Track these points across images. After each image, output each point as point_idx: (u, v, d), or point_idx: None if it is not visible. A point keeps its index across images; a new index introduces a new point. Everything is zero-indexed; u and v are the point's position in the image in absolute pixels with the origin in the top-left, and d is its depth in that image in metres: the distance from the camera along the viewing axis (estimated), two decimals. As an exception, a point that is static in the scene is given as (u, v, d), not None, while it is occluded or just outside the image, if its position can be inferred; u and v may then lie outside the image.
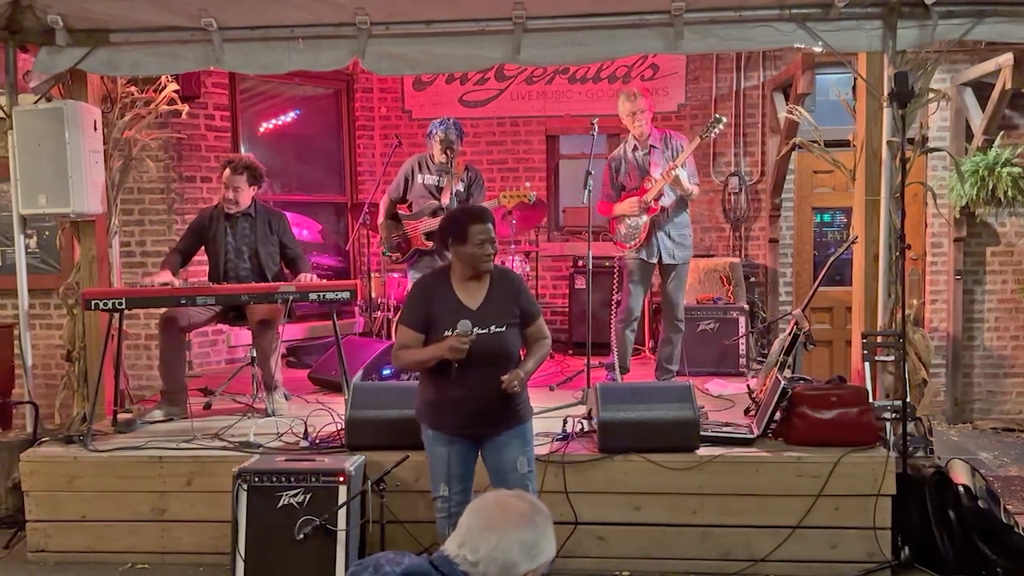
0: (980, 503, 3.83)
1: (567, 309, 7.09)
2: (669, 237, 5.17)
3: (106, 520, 4.13)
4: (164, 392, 4.79)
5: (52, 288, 5.71)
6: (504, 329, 3.17)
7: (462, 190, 5.17)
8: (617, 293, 5.46)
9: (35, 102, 4.49)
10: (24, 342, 4.68)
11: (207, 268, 5.03)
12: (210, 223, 4.94)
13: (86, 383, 4.69)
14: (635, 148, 5.22)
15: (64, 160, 4.38)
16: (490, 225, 3.16)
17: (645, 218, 5.11)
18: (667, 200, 5.13)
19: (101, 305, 4.31)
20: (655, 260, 5.19)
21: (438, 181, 5.22)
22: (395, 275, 6.51)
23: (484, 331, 3.11)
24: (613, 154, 5.35)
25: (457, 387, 3.17)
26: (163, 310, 4.81)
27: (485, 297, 3.20)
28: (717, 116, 5.06)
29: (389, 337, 6.16)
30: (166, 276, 4.63)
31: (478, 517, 1.84)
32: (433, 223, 5.15)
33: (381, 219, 5.43)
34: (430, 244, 5.18)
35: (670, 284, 5.25)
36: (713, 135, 5.12)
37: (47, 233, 6.08)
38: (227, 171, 4.85)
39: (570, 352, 6.69)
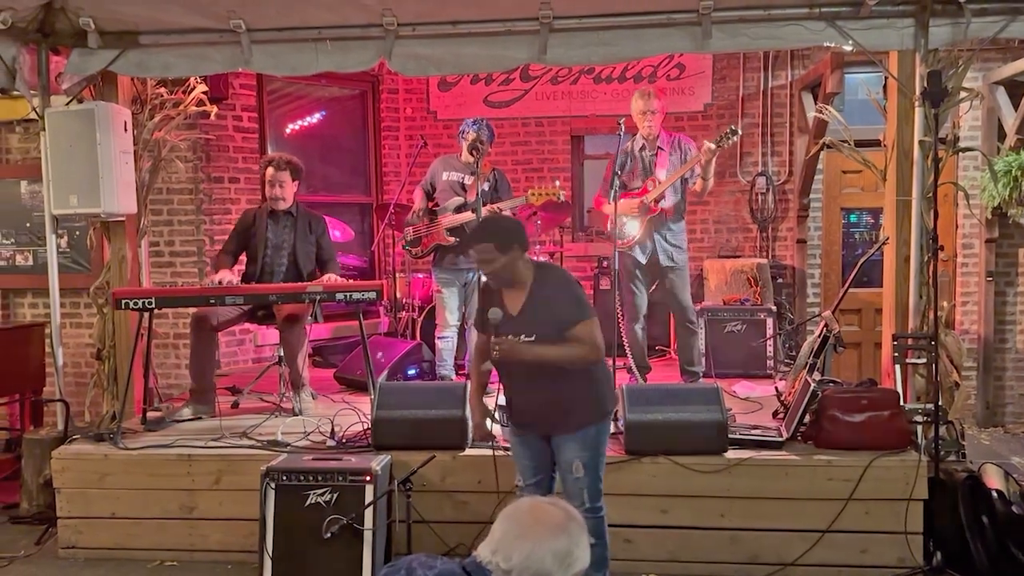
0: (1014, 508, 3.76)
1: (592, 310, 7.05)
2: (666, 240, 5.15)
3: (135, 517, 4.18)
4: (193, 391, 4.84)
5: (82, 287, 5.79)
6: (534, 339, 3.09)
7: (487, 190, 5.17)
8: (619, 294, 5.43)
9: (67, 103, 4.54)
10: (55, 341, 4.74)
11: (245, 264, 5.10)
12: (254, 221, 5.04)
13: (116, 382, 4.75)
14: (643, 147, 5.21)
15: (95, 161, 4.42)
16: (483, 245, 3.10)
17: (642, 220, 5.10)
18: (667, 203, 5.11)
19: (131, 304, 4.36)
20: (647, 260, 5.18)
21: (463, 178, 5.23)
22: (420, 275, 6.52)
23: (515, 340, 3.10)
24: (621, 148, 5.29)
25: (509, 387, 3.27)
26: (193, 309, 4.86)
27: (523, 304, 3.17)
28: (732, 128, 5.01)
29: (414, 337, 6.17)
30: (228, 275, 4.75)
31: (511, 524, 1.83)
32: (456, 219, 5.16)
33: (417, 205, 5.42)
34: (452, 240, 5.18)
35: (673, 287, 5.22)
36: (727, 145, 5.08)
37: (77, 233, 6.15)
38: (270, 169, 4.97)
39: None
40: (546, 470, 3.31)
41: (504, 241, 3.11)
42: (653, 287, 5.40)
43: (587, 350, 3.09)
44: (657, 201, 5.08)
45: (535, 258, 3.49)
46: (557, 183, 5.11)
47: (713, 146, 4.89)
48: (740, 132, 5.08)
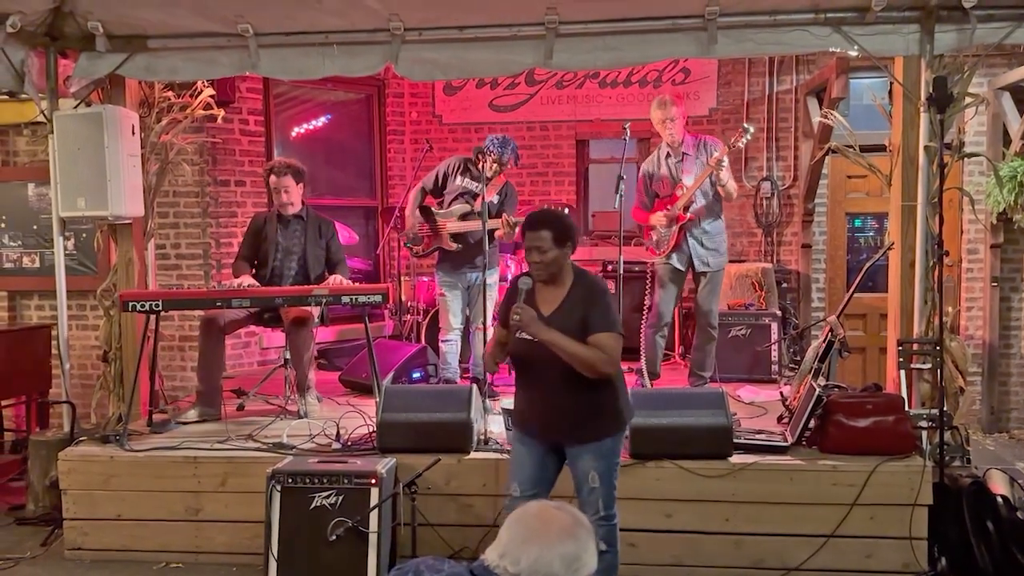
0: (1019, 514, 3.76)
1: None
2: (702, 245, 5.16)
3: (141, 519, 4.18)
4: (200, 393, 4.85)
5: (88, 290, 5.82)
6: None
7: (496, 202, 5.18)
8: (648, 298, 5.45)
9: (75, 107, 4.57)
10: (62, 343, 4.76)
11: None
12: (264, 224, 5.06)
13: (122, 384, 4.75)
14: (668, 155, 5.21)
15: (103, 164, 4.44)
16: (542, 232, 3.06)
17: (675, 226, 5.11)
18: (698, 205, 5.11)
19: (138, 307, 4.38)
20: (685, 267, 5.19)
21: (476, 188, 5.22)
22: (424, 279, 6.54)
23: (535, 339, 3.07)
24: (647, 161, 5.35)
25: (524, 390, 3.25)
26: (201, 312, 4.88)
27: (558, 306, 3.13)
28: (745, 126, 5.02)
29: (419, 340, 6.18)
30: (249, 278, 4.80)
31: (519, 528, 1.83)
32: (461, 226, 5.17)
33: (409, 208, 5.42)
34: (455, 246, 5.19)
35: (703, 291, 5.23)
36: (741, 145, 5.09)
37: (84, 235, 6.17)
38: (272, 177, 4.98)
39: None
40: (545, 483, 3.25)
41: (561, 234, 3.09)
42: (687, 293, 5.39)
43: (601, 359, 3.02)
44: (686, 208, 5.09)
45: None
46: (566, 210, 5.11)
47: (719, 154, 4.92)
48: (752, 129, 5.07)
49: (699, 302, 5.28)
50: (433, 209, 5.37)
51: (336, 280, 4.81)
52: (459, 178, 5.29)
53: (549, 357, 3.03)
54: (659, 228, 5.17)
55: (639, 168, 5.40)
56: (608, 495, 3.19)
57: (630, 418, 3.29)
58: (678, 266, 5.19)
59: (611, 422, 3.18)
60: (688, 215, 5.09)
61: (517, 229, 5.10)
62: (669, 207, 5.13)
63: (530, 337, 3.05)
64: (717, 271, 5.22)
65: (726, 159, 4.95)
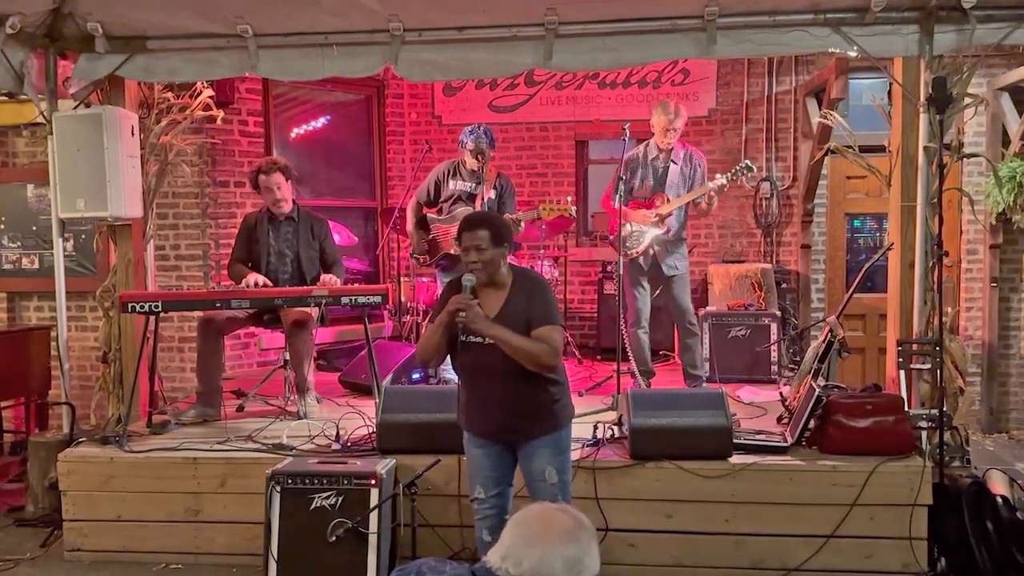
0: (1019, 514, 3.77)
1: (595, 314, 7.07)
2: (668, 252, 5.18)
3: (141, 520, 4.18)
4: (199, 394, 4.85)
5: (87, 291, 5.82)
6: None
7: (494, 198, 5.18)
8: (621, 299, 5.44)
9: (74, 108, 4.56)
10: (61, 344, 4.75)
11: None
12: (255, 225, 5.03)
13: (121, 384, 4.75)
14: (656, 157, 5.20)
15: (102, 165, 4.44)
16: (479, 232, 3.11)
17: (652, 232, 5.11)
18: (674, 221, 5.14)
19: (138, 308, 4.39)
20: (648, 265, 5.21)
21: (471, 188, 5.22)
22: (424, 279, 6.53)
23: (481, 340, 3.08)
24: (631, 153, 5.25)
25: (475, 394, 3.25)
26: (200, 313, 4.87)
27: (502, 306, 3.16)
28: (748, 164, 5.06)
29: (418, 341, 6.17)
30: (257, 276, 4.78)
31: (521, 530, 1.83)
32: (463, 227, 5.17)
33: (410, 225, 5.45)
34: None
35: (674, 292, 5.25)
36: (740, 180, 5.14)
37: (83, 236, 6.17)
38: (261, 176, 4.91)
39: (598, 358, 6.68)
40: (506, 481, 3.30)
41: (498, 234, 3.14)
42: (656, 292, 5.40)
43: (546, 351, 3.06)
44: (664, 219, 5.10)
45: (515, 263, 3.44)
46: (569, 199, 5.11)
47: (724, 181, 4.95)
48: (755, 168, 5.11)
49: (675, 304, 5.28)
50: (431, 216, 5.37)
51: (330, 280, 4.79)
52: (451, 182, 5.29)
53: (499, 361, 3.05)
54: (633, 227, 5.14)
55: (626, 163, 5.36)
56: (565, 491, 3.22)
57: (573, 414, 3.33)
58: (643, 264, 5.21)
59: (563, 413, 3.24)
60: (665, 227, 5.11)
61: (522, 226, 5.12)
62: (646, 212, 5.13)
63: (478, 339, 3.08)
64: (684, 272, 5.26)
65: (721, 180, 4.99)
